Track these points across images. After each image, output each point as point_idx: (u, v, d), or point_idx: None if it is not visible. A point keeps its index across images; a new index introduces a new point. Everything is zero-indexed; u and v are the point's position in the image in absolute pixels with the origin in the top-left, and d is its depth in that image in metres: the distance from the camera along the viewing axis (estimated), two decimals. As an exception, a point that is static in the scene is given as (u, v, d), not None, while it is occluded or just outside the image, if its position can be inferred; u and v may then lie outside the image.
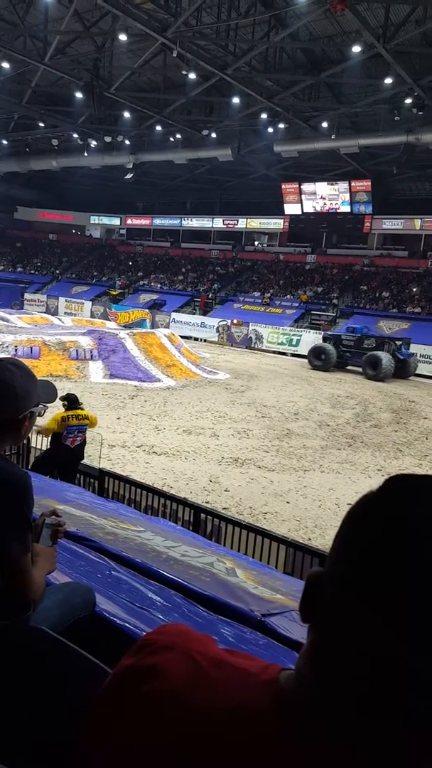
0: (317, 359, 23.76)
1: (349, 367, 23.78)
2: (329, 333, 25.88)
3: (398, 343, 23.11)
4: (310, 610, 0.54)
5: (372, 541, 0.49)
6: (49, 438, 7.11)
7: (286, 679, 0.55)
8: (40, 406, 1.68)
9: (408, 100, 20.51)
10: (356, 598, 0.49)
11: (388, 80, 19.79)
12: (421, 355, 25.43)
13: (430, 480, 0.51)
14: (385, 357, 21.66)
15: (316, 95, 23.81)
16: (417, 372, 24.42)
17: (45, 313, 31.78)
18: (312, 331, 28.50)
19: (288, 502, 8.42)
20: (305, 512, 8.02)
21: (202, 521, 5.76)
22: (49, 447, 7.15)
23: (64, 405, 7.12)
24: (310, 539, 6.72)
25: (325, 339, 24.82)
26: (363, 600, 0.48)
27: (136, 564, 2.67)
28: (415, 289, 30.78)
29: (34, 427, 7.23)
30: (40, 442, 7.58)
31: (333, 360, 23.36)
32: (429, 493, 0.50)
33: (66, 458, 7.03)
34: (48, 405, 1.75)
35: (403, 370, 22.47)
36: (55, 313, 33.89)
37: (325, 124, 24.76)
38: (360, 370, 22.74)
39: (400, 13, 17.64)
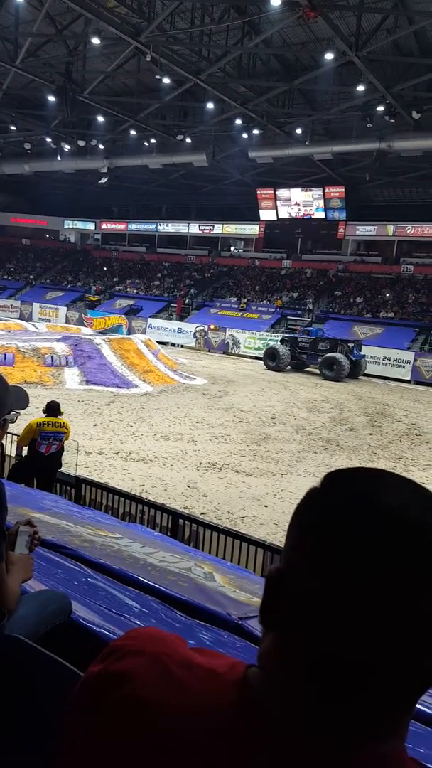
0: (271, 360, 24.66)
1: (308, 369, 24.52)
2: (286, 335, 26.60)
3: (350, 345, 24.01)
4: (273, 606, 0.55)
5: (327, 530, 0.52)
6: (26, 446, 7.00)
7: (253, 675, 0.56)
8: (13, 413, 1.66)
9: (380, 108, 20.84)
10: (317, 587, 0.51)
11: (361, 88, 20.10)
12: (394, 359, 25.89)
13: (361, 471, 0.56)
14: (342, 358, 22.81)
15: (290, 102, 24.06)
16: (389, 376, 25.02)
17: (19, 319, 31.40)
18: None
19: (266, 506, 8.45)
20: (283, 516, 8.05)
21: (180, 527, 5.74)
22: (25, 455, 7.04)
23: (44, 411, 7.03)
24: (287, 542, 6.75)
25: (282, 341, 25.59)
26: (323, 588, 0.50)
27: (114, 571, 2.65)
28: (388, 295, 31.25)
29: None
30: (15, 451, 7.47)
31: (286, 361, 24.36)
32: (367, 480, 0.54)
33: (41, 466, 6.93)
34: (20, 411, 1.73)
35: (355, 370, 23.64)
36: (29, 319, 33.50)
37: (299, 131, 25.04)
38: (317, 371, 23.51)
39: (372, 21, 17.96)
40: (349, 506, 0.52)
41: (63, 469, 7.28)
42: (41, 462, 6.89)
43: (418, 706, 0.53)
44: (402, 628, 0.48)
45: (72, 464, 8.04)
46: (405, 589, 0.48)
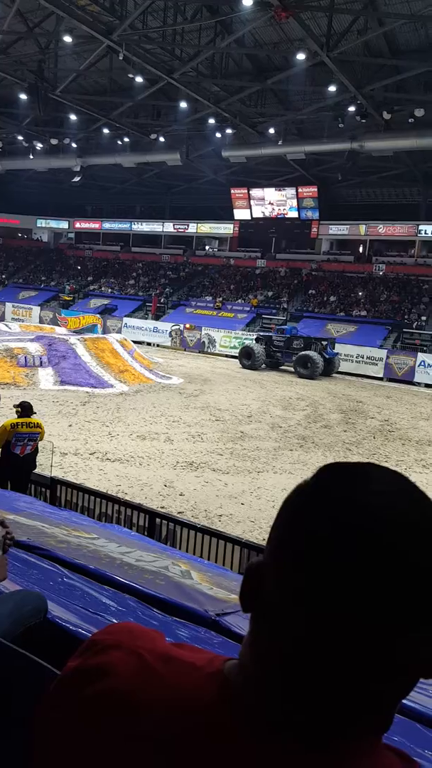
0: (246, 359, 24.79)
1: (283, 367, 24.67)
2: (261, 334, 26.77)
3: (324, 343, 24.27)
4: (251, 598, 0.55)
5: (314, 525, 0.50)
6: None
7: (230, 669, 0.57)
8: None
9: (351, 108, 21.08)
10: (302, 581, 0.50)
11: (332, 88, 20.30)
12: (367, 357, 26.23)
13: (354, 465, 0.53)
14: (316, 356, 23.01)
15: (263, 101, 24.18)
16: (362, 373, 25.37)
17: (-9, 319, 30.93)
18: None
19: (242, 504, 8.49)
20: (259, 513, 8.11)
21: (157, 526, 5.74)
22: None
23: (17, 412, 6.94)
24: (264, 539, 6.80)
25: (257, 340, 25.77)
26: (309, 583, 0.49)
27: (90, 570, 2.64)
28: (360, 293, 31.64)
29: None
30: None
31: (261, 360, 24.46)
32: (356, 476, 0.52)
33: (16, 468, 6.84)
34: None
35: (328, 368, 23.87)
36: (1, 319, 32.96)
37: (272, 130, 25.19)
38: (292, 369, 23.67)
39: (343, 22, 18.15)
40: (324, 508, 0.50)
41: (38, 470, 7.20)
42: (16, 463, 6.81)
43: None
44: (371, 627, 0.47)
45: (47, 465, 7.96)
46: (372, 595, 0.47)
